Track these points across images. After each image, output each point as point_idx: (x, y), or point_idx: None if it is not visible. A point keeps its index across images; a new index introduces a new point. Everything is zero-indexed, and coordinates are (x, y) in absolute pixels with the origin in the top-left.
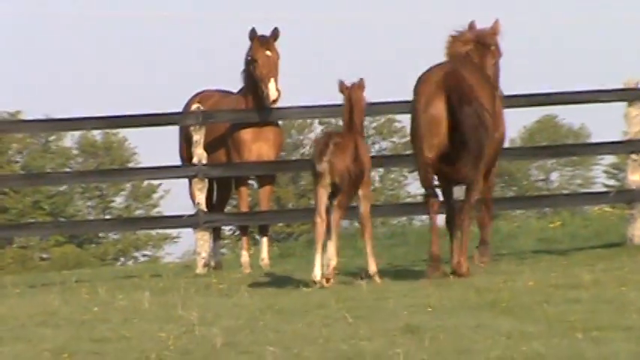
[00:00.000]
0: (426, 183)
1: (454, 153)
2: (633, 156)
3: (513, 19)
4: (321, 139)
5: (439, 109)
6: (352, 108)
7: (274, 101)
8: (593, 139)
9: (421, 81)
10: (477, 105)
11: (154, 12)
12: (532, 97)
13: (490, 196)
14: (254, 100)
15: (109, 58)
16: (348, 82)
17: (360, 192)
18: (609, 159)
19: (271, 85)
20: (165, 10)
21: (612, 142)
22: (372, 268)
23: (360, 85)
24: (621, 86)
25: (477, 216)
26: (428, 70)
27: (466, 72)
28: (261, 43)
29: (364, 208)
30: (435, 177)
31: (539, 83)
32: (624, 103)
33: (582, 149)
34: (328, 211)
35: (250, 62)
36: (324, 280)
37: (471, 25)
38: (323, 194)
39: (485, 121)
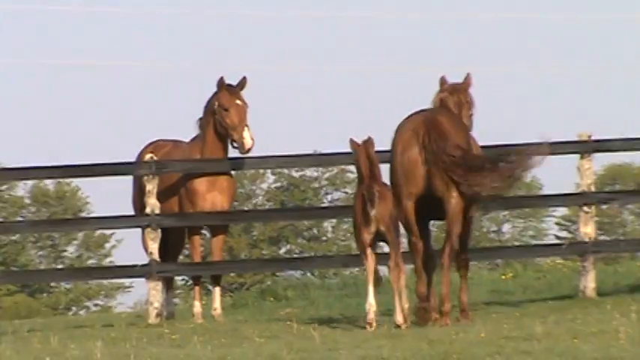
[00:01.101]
0: (408, 227)
1: (433, 194)
2: (585, 208)
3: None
4: (365, 188)
5: (415, 153)
6: (372, 163)
7: (249, 149)
8: (546, 191)
9: (399, 128)
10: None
11: (110, 61)
12: (484, 149)
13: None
14: (218, 148)
15: (63, 106)
16: (358, 139)
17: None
18: (561, 211)
19: (246, 134)
20: (120, 59)
21: (564, 195)
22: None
23: (372, 142)
24: (574, 139)
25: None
26: (406, 118)
27: (444, 118)
28: (231, 92)
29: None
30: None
31: (491, 135)
32: (577, 156)
33: (534, 201)
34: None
35: (219, 111)
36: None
37: (443, 81)
38: (367, 239)
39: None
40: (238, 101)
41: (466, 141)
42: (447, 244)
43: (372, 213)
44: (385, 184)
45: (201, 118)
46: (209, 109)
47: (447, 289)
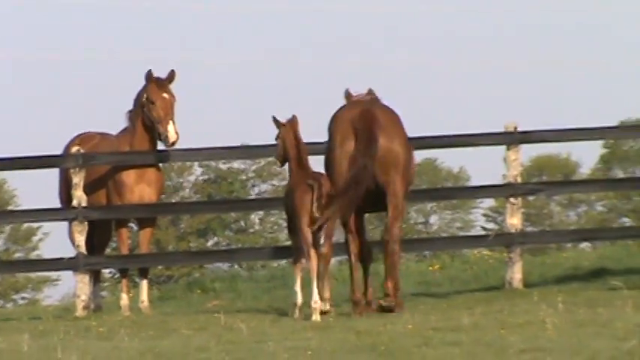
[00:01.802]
0: (345, 222)
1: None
2: (512, 199)
3: (401, 61)
4: (311, 181)
5: (352, 146)
6: (299, 144)
7: (173, 143)
8: (473, 183)
9: (336, 118)
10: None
11: (45, 54)
12: (412, 140)
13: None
14: (146, 141)
15: None
16: (282, 119)
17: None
18: (488, 202)
19: (170, 127)
20: (47, 52)
21: (491, 186)
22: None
23: (297, 121)
24: (500, 130)
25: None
26: (341, 109)
27: (379, 111)
28: (159, 85)
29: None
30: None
31: (419, 126)
32: (503, 147)
33: (462, 192)
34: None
35: (146, 103)
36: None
37: (348, 93)
38: (310, 235)
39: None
40: (165, 94)
41: (400, 134)
42: (393, 228)
43: (318, 214)
44: (318, 172)
45: (130, 111)
46: (138, 101)
47: (396, 274)
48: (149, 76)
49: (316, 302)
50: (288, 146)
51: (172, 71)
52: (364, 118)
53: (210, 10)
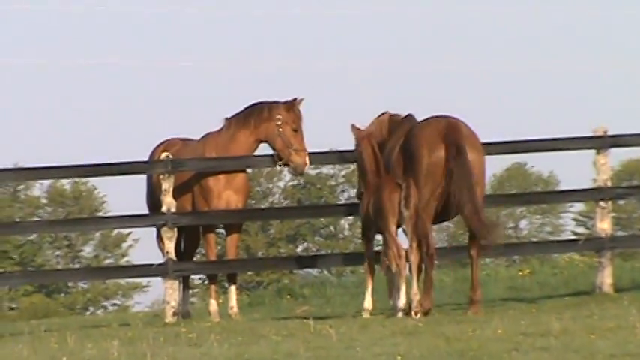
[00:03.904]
0: (425, 231)
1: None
2: (602, 203)
3: (485, 65)
4: (399, 184)
5: (441, 156)
6: (377, 156)
7: (302, 173)
8: (563, 187)
9: (418, 133)
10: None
11: (123, 60)
12: (501, 145)
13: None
14: (245, 150)
15: (79, 106)
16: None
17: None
18: (578, 207)
19: (307, 160)
20: (134, 59)
21: (581, 190)
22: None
23: (372, 134)
24: (590, 134)
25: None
26: (420, 124)
27: (462, 124)
28: (299, 114)
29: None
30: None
31: (509, 131)
32: (593, 151)
33: (551, 197)
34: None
35: (283, 127)
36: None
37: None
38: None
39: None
40: (301, 123)
41: (479, 146)
42: (475, 240)
43: (406, 214)
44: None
45: (230, 118)
46: (261, 115)
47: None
48: (295, 102)
49: (405, 304)
50: (367, 159)
51: (302, 98)
52: (452, 129)
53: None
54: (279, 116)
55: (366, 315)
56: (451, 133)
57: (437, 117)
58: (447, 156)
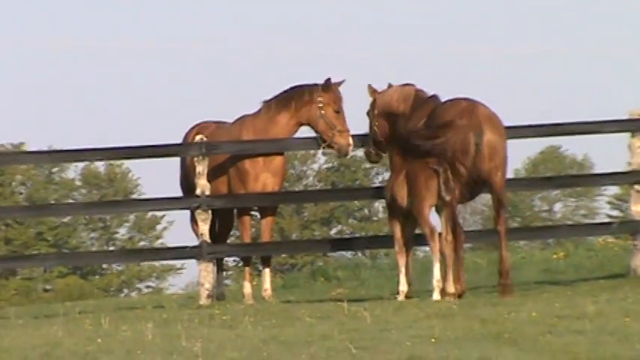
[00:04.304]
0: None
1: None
2: (637, 187)
3: (520, 50)
4: (437, 168)
5: (470, 137)
6: None
7: (347, 154)
8: (597, 170)
9: (444, 109)
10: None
11: (155, 44)
12: (535, 127)
13: None
14: (287, 132)
15: (113, 89)
16: None
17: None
18: (613, 190)
19: (351, 140)
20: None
21: (616, 173)
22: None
23: None
24: (625, 117)
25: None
26: (441, 106)
27: (482, 106)
28: (340, 95)
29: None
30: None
31: (543, 114)
32: (628, 134)
33: (586, 180)
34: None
35: (326, 109)
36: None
37: (372, 89)
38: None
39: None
40: (343, 105)
41: (501, 129)
42: (502, 214)
43: (448, 198)
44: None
45: (269, 100)
46: (302, 98)
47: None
48: (332, 83)
49: (439, 281)
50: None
51: (344, 80)
52: (469, 111)
53: None
54: (320, 98)
55: (401, 298)
56: (475, 114)
57: (459, 99)
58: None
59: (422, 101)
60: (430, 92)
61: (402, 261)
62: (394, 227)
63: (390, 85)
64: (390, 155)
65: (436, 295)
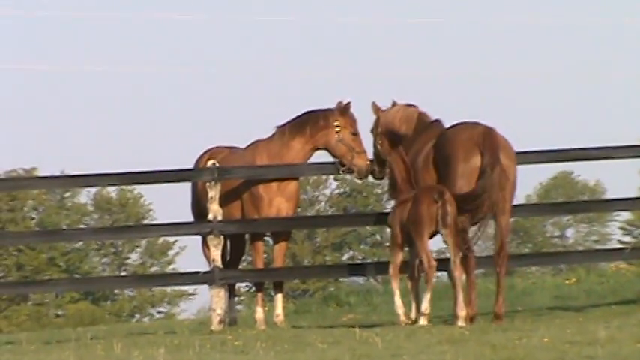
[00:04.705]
0: (465, 238)
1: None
2: None
3: (530, 76)
4: (437, 199)
5: (477, 162)
6: (407, 167)
7: (361, 179)
8: (609, 196)
9: (452, 138)
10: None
11: (170, 67)
12: (547, 153)
13: None
14: (303, 158)
15: (124, 114)
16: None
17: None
18: (625, 215)
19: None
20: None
21: (628, 199)
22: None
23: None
24: (636, 143)
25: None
26: (454, 129)
27: (496, 132)
28: (354, 119)
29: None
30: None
31: (555, 140)
32: (639, 160)
33: (598, 206)
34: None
35: (343, 132)
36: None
37: (376, 107)
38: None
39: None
40: (357, 127)
41: (513, 155)
42: (502, 252)
43: (444, 232)
44: (439, 186)
45: (283, 126)
46: (317, 124)
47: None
48: (348, 107)
49: (427, 309)
50: (397, 169)
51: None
52: (488, 137)
53: None
54: (337, 122)
55: (423, 321)
56: (487, 140)
57: (469, 123)
58: (482, 164)
59: (425, 125)
60: (433, 116)
61: (396, 285)
62: (395, 253)
63: (394, 103)
64: (390, 177)
65: (422, 321)
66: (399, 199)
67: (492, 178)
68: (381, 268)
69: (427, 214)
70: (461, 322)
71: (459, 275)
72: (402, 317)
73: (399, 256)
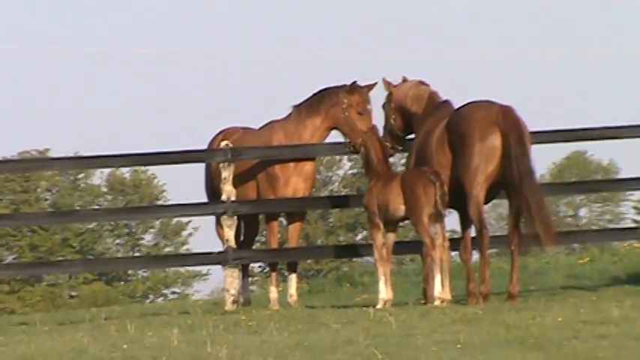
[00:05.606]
0: (479, 217)
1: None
2: None
3: (547, 54)
4: (430, 175)
5: (497, 142)
6: (383, 145)
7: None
8: (622, 175)
9: (467, 117)
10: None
11: (181, 48)
12: (561, 132)
13: None
14: (317, 137)
15: (137, 95)
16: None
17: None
18: (638, 195)
19: None
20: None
21: None
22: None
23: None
24: None
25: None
26: (467, 108)
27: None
28: (366, 98)
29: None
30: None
31: (569, 119)
32: None
33: (611, 185)
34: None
35: (350, 111)
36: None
37: (387, 82)
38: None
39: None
40: (369, 106)
41: (528, 137)
42: (516, 231)
43: (443, 212)
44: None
45: (299, 105)
46: (330, 101)
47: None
48: (357, 85)
49: (441, 292)
50: (374, 150)
51: (375, 83)
52: (508, 116)
53: None
54: (345, 100)
55: (380, 306)
56: (508, 118)
57: (483, 101)
58: (505, 143)
59: (435, 106)
60: (443, 97)
61: (382, 269)
62: (375, 234)
63: (404, 79)
64: (366, 157)
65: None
66: (374, 180)
67: (525, 163)
68: (396, 248)
69: (425, 196)
70: (437, 302)
71: (447, 256)
72: (381, 304)
73: (380, 238)
